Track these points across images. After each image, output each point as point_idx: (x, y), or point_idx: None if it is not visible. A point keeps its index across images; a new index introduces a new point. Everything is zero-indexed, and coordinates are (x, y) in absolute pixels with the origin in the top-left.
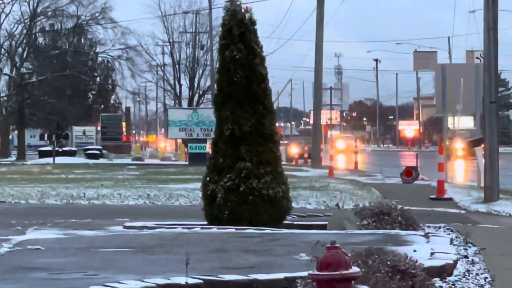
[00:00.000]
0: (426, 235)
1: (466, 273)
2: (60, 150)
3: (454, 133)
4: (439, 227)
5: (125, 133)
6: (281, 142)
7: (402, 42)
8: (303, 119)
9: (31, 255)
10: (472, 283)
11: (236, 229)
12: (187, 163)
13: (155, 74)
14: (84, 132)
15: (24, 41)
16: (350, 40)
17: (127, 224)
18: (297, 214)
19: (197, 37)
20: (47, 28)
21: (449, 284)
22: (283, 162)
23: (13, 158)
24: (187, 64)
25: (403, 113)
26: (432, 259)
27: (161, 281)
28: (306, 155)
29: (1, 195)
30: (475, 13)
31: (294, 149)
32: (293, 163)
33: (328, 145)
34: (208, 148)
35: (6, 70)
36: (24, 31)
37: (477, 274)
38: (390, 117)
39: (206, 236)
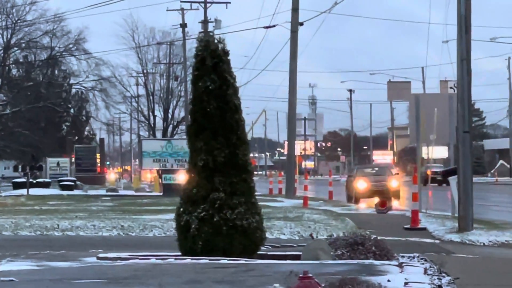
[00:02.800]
0: (400, 265)
1: None
2: (34, 181)
3: (427, 163)
4: (413, 257)
5: (99, 164)
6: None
7: (376, 73)
8: (278, 149)
9: (4, 287)
10: None
11: (210, 259)
12: (161, 194)
13: (129, 105)
14: (58, 164)
15: None
16: (324, 70)
17: (101, 255)
18: (271, 245)
19: (171, 68)
20: (21, 60)
21: None
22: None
23: None
24: (161, 95)
25: (377, 143)
26: None
27: None
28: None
29: None
30: (449, 43)
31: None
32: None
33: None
34: (182, 179)
35: None
36: None
37: None
38: (364, 147)
39: (180, 267)
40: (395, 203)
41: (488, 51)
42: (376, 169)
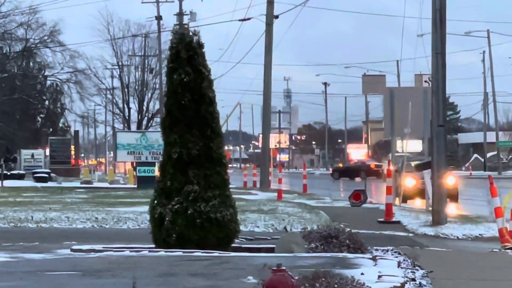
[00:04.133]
0: (374, 258)
1: None
2: (9, 173)
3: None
4: (387, 250)
5: (73, 157)
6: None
7: (351, 66)
8: (252, 142)
9: None
10: None
11: (184, 252)
12: (135, 186)
13: (104, 97)
14: (32, 156)
15: None
16: (299, 63)
17: (75, 247)
18: (245, 237)
19: (146, 61)
20: None
21: None
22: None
23: None
24: (136, 87)
25: (352, 136)
26: (380, 282)
27: None
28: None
29: None
30: (424, 37)
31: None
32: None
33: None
34: (156, 171)
35: None
36: None
37: None
38: (339, 140)
39: (154, 260)
40: (451, 208)
41: (463, 45)
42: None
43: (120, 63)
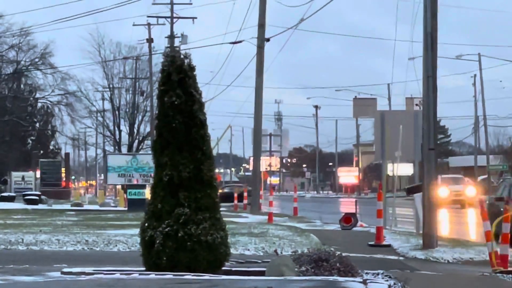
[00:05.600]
0: (365, 282)
1: None
2: None
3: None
4: (378, 274)
5: (64, 179)
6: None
7: (342, 89)
8: (243, 165)
9: None
10: None
11: (174, 275)
12: (126, 209)
13: (94, 120)
14: (23, 178)
15: None
16: (290, 86)
17: (65, 270)
18: (235, 260)
19: (137, 83)
20: None
21: None
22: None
23: None
24: (127, 110)
25: (342, 159)
26: None
27: None
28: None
29: None
30: (415, 60)
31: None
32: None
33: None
34: (147, 194)
35: None
36: None
37: None
38: (329, 163)
39: (144, 283)
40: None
41: (454, 68)
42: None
43: (111, 86)
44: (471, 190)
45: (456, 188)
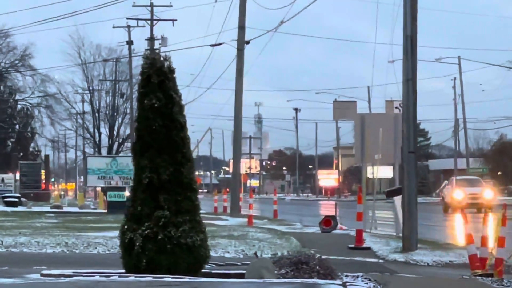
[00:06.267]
0: (344, 284)
1: None
2: None
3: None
4: (357, 276)
5: (44, 181)
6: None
7: (322, 92)
8: (223, 167)
9: None
10: None
11: (154, 277)
12: (106, 211)
13: (74, 122)
14: (2, 180)
15: None
16: (270, 89)
17: (45, 272)
18: (215, 263)
19: (117, 85)
20: None
21: None
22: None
23: None
24: (107, 112)
25: (322, 162)
26: None
27: None
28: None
29: None
30: (395, 63)
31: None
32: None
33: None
34: (127, 196)
35: None
36: None
37: None
38: (309, 166)
39: (124, 285)
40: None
41: (434, 71)
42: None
43: (91, 88)
44: (489, 193)
45: (473, 191)
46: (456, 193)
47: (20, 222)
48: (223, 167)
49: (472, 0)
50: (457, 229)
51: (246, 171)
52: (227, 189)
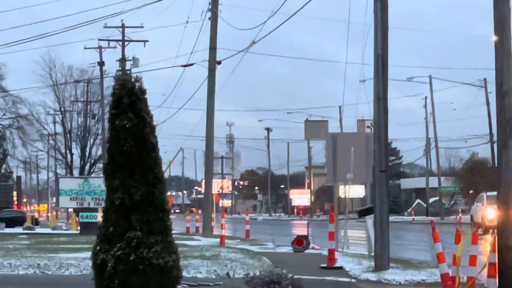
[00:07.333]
0: None
1: None
2: None
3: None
4: None
5: (16, 203)
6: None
7: (294, 111)
8: (195, 187)
9: None
10: None
11: None
12: (78, 232)
13: (46, 143)
14: None
15: None
16: (241, 109)
17: None
18: (188, 283)
19: (89, 106)
20: None
21: None
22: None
23: None
24: (79, 133)
25: (295, 182)
26: None
27: None
28: None
29: None
30: (366, 82)
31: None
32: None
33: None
34: (99, 217)
35: None
36: None
37: None
38: (282, 186)
39: None
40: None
41: (405, 90)
42: None
43: (62, 109)
44: (490, 212)
45: None
46: (488, 211)
47: None
48: (195, 187)
49: (441, 18)
50: (429, 248)
51: (218, 191)
52: (193, 209)
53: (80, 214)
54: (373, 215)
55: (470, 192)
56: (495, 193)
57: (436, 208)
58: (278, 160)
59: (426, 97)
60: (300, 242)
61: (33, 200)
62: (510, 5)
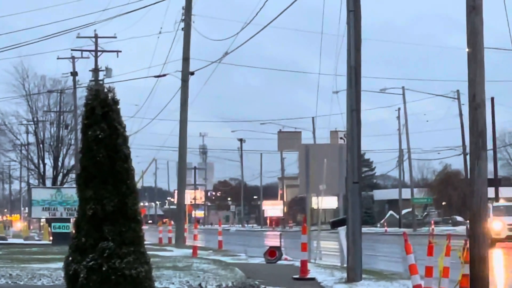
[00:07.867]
0: None
1: None
2: None
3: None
4: None
5: None
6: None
7: (267, 122)
8: (168, 198)
9: None
10: None
11: None
12: (51, 242)
13: (19, 153)
14: None
15: None
16: (214, 120)
17: None
18: None
19: (62, 117)
20: None
21: None
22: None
23: None
24: (51, 143)
25: (267, 193)
26: None
27: None
28: None
29: None
30: (339, 94)
31: (497, 226)
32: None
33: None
34: (71, 227)
35: None
36: None
37: None
38: (254, 197)
39: None
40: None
41: (378, 101)
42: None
43: (35, 119)
44: (497, 224)
45: None
46: (494, 224)
47: None
48: (168, 198)
49: (413, 30)
50: (402, 259)
51: (191, 201)
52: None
53: (53, 224)
54: (345, 226)
55: (443, 203)
56: (501, 203)
57: (408, 220)
58: (251, 171)
59: (399, 109)
60: (273, 253)
61: (5, 210)
62: (482, 18)
